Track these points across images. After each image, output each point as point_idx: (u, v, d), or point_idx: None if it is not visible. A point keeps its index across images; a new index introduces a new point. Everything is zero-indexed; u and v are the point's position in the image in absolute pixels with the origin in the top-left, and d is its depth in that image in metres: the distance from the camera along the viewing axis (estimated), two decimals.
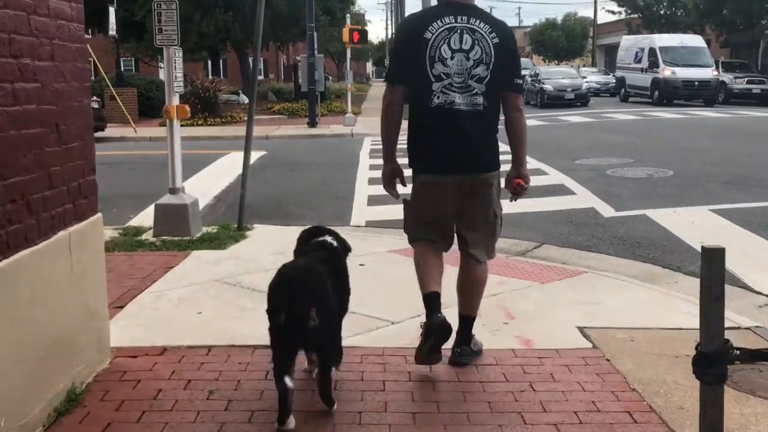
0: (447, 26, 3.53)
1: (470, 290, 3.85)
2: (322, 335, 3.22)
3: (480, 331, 4.12)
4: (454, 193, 3.65)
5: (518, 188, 3.83)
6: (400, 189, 3.85)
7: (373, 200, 9.41)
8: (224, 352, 4.16)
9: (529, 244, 7.17)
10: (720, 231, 7.29)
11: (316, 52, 23.12)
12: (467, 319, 3.85)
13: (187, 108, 7.15)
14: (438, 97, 3.55)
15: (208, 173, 12.27)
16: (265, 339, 3.36)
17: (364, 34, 24.32)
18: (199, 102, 24.04)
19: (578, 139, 16.70)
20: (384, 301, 5.03)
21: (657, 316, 4.82)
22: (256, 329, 4.10)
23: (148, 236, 7.16)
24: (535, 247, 7.12)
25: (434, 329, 3.57)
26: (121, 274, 5.75)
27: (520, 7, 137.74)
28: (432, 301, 3.64)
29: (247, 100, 31.19)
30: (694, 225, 7.61)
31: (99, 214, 4.05)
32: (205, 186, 10.87)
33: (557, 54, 68.77)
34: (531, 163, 12.57)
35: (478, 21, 3.56)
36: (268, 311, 3.21)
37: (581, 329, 4.55)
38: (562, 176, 10.79)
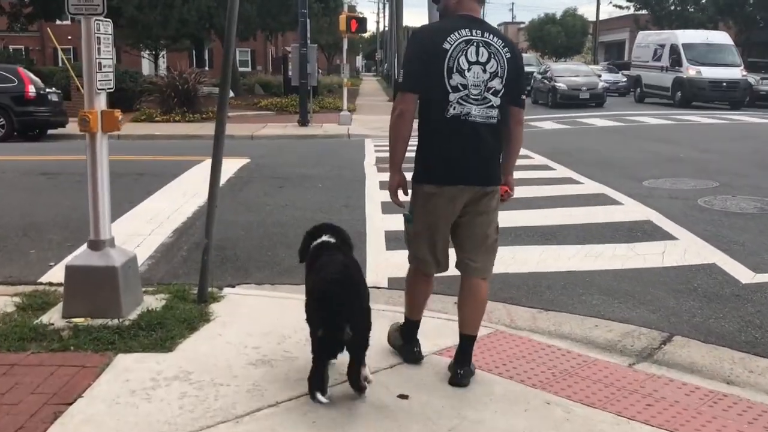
0: (464, 38, 3.52)
1: (474, 310, 3.81)
2: (359, 342, 3.42)
3: None
4: (460, 205, 3.63)
5: (505, 195, 3.85)
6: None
7: (393, 240, 6.78)
8: None
9: (652, 336, 4.61)
10: None
11: (308, 41, 20.45)
12: (470, 338, 3.81)
13: (118, 115, 4.49)
14: (454, 108, 3.52)
15: (173, 190, 9.57)
16: None
17: (362, 22, 21.68)
18: (177, 96, 21.31)
19: (620, 149, 14.11)
20: None
21: None
22: None
23: (56, 315, 4.52)
24: (662, 342, 4.54)
25: (410, 360, 3.98)
26: None
27: (513, 3, 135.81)
28: (415, 329, 4.03)
29: (231, 94, 28.59)
30: None
31: None
32: (165, 211, 8.18)
33: (555, 50, 66.58)
34: (584, 182, 10.07)
35: (491, 35, 3.59)
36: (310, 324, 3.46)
37: None
38: (642, 207, 8.20)
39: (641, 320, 4.88)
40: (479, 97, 3.52)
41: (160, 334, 4.26)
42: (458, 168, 3.55)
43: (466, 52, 3.50)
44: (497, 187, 3.73)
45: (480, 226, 3.69)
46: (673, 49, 28.00)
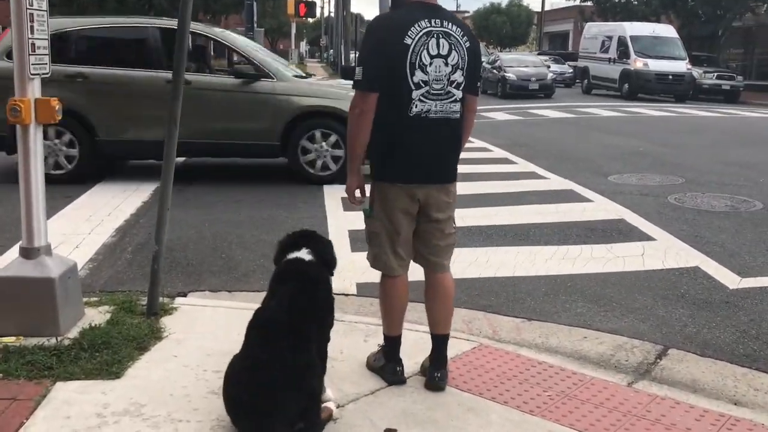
0: (425, 30, 3.30)
1: (443, 306, 3.64)
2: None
3: None
4: (419, 204, 3.47)
5: None
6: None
7: (358, 239, 6.32)
8: None
9: (646, 349, 4.29)
10: None
11: (255, 25, 19.75)
12: (444, 338, 3.63)
13: (55, 104, 3.89)
14: (416, 106, 3.33)
15: (114, 183, 8.87)
16: None
17: (311, 6, 21.13)
18: None
19: (578, 142, 13.91)
20: None
21: None
22: None
23: None
24: (657, 356, 4.22)
25: (393, 382, 3.59)
26: None
27: None
28: (396, 346, 3.66)
29: None
30: None
31: None
32: (105, 207, 7.53)
33: (501, 40, 66.90)
34: (549, 176, 9.79)
35: (450, 24, 3.38)
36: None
37: None
38: (613, 205, 7.91)
39: (631, 331, 4.56)
40: (442, 92, 3.35)
41: (105, 356, 3.71)
42: (418, 166, 3.40)
43: (428, 46, 3.31)
44: (455, 183, 3.59)
45: (439, 222, 3.54)
46: (621, 41, 28.20)
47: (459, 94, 3.40)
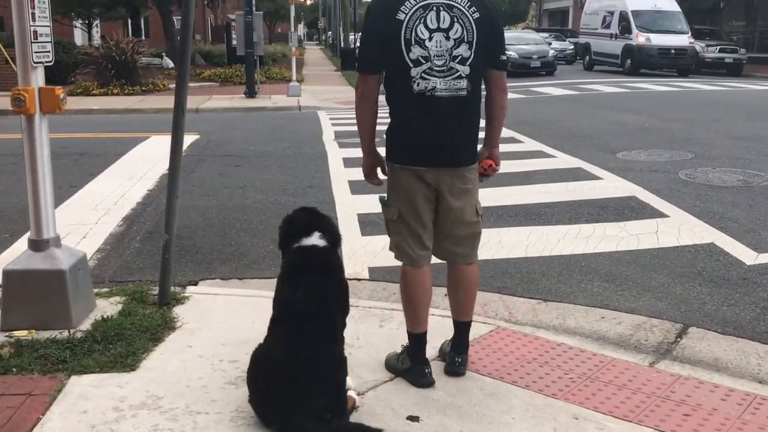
0: (421, 4, 3.11)
1: (465, 296, 3.50)
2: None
3: None
4: (433, 189, 3.29)
5: (489, 170, 3.45)
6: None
7: (368, 223, 6.26)
8: None
9: (665, 328, 4.23)
10: None
11: (254, 8, 19.52)
12: (466, 325, 3.53)
13: (60, 92, 3.81)
14: (418, 84, 3.15)
15: (119, 172, 8.81)
16: None
17: None
18: (114, 67, 20.16)
19: (583, 119, 13.78)
20: None
21: None
22: None
23: None
24: (678, 335, 4.17)
25: (422, 384, 3.35)
26: None
27: None
28: (423, 344, 3.44)
29: (171, 64, 27.31)
30: None
31: None
32: (112, 196, 7.47)
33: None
34: (557, 155, 9.69)
35: None
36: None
37: None
38: (624, 182, 7.82)
39: (649, 310, 4.50)
40: (444, 68, 3.15)
41: (119, 348, 3.66)
42: (427, 149, 3.24)
43: (425, 19, 3.12)
44: (472, 167, 3.35)
45: (457, 209, 3.33)
46: (623, 16, 27.90)
47: (465, 69, 3.17)
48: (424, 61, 3.13)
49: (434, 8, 3.12)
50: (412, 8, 3.11)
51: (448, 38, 3.13)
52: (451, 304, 3.56)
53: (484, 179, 3.49)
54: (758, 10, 34.65)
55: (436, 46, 3.12)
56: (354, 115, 3.46)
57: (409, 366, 3.40)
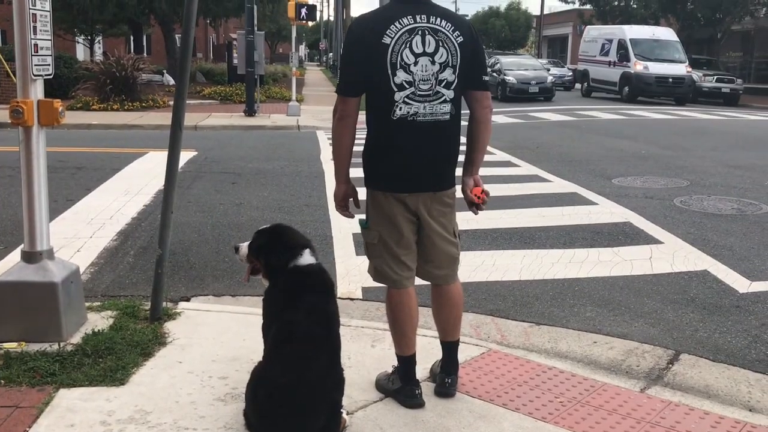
0: (407, 28, 3.09)
1: (451, 316, 3.48)
2: None
3: None
4: (414, 213, 3.28)
5: (482, 195, 3.37)
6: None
7: (362, 243, 6.25)
8: None
9: (657, 354, 4.23)
10: None
11: (256, 28, 19.66)
12: (454, 344, 3.51)
13: (58, 105, 3.84)
14: (400, 109, 3.13)
15: (115, 187, 8.82)
16: None
17: (312, 9, 20.95)
18: (114, 82, 20.22)
19: (580, 145, 13.85)
20: None
21: None
22: None
23: None
24: (669, 361, 4.16)
25: (412, 405, 3.34)
26: None
27: None
28: (412, 366, 3.41)
29: (172, 81, 27.41)
30: None
31: None
32: (107, 211, 7.47)
33: (500, 44, 66.84)
34: (552, 179, 9.71)
35: (439, 19, 3.14)
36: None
37: None
38: (619, 208, 7.85)
39: (642, 335, 4.50)
40: (430, 92, 3.13)
41: (109, 362, 3.65)
42: (406, 175, 3.21)
43: (410, 44, 3.08)
44: (450, 191, 3.35)
45: (437, 233, 3.32)
46: (621, 44, 28.17)
47: (450, 94, 3.17)
48: (407, 86, 3.11)
49: (419, 32, 3.09)
50: (397, 32, 3.07)
51: (433, 62, 3.11)
52: (438, 325, 3.52)
53: (477, 211, 3.42)
54: (755, 41, 35.04)
55: (422, 71, 3.10)
56: None
57: (400, 387, 3.39)
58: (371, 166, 3.28)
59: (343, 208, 3.41)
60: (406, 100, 3.12)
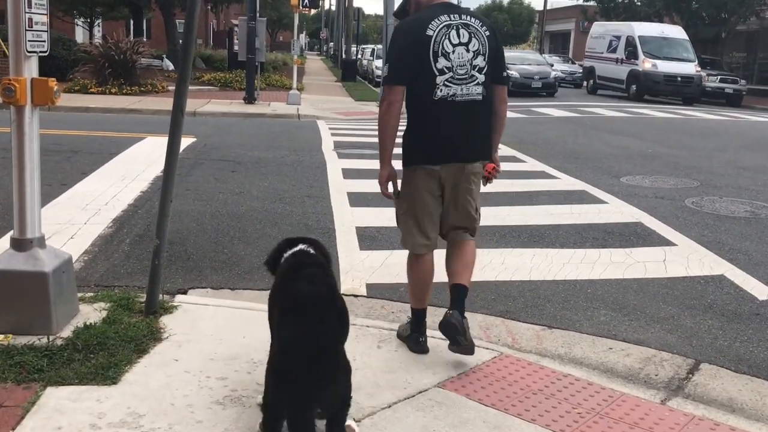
0: (445, 23, 3.68)
1: (464, 268, 3.85)
2: (337, 411, 2.78)
3: None
4: (449, 182, 3.77)
5: (493, 171, 3.92)
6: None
7: (367, 238, 6.05)
8: None
9: (676, 363, 4.04)
10: None
11: (257, 15, 19.37)
12: (461, 287, 3.80)
13: (53, 84, 3.61)
14: (441, 90, 3.66)
15: (112, 172, 8.59)
16: None
17: None
18: (113, 66, 19.92)
19: (585, 141, 13.64)
20: None
21: None
22: None
23: None
24: (689, 371, 3.97)
25: (415, 350, 3.83)
26: None
27: None
28: (422, 318, 3.90)
29: (171, 66, 27.07)
30: None
31: None
32: (103, 196, 7.24)
33: (502, 39, 66.52)
34: (560, 176, 9.52)
35: (469, 17, 3.76)
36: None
37: None
38: (629, 207, 7.65)
39: (659, 342, 4.31)
40: (466, 75, 3.66)
41: (101, 358, 3.43)
42: (447, 146, 3.71)
43: (449, 36, 3.65)
44: (478, 164, 3.84)
45: (467, 200, 3.82)
46: (629, 41, 27.84)
47: (482, 78, 3.69)
48: (447, 71, 3.64)
49: (455, 27, 3.67)
50: (438, 26, 3.65)
51: (468, 51, 3.67)
52: (450, 272, 3.85)
53: (487, 183, 3.94)
54: (759, 42, 34.81)
55: (459, 58, 3.65)
56: (373, 126, 3.70)
57: (409, 334, 3.91)
58: (412, 143, 3.76)
59: (386, 187, 3.84)
60: (446, 83, 3.65)
